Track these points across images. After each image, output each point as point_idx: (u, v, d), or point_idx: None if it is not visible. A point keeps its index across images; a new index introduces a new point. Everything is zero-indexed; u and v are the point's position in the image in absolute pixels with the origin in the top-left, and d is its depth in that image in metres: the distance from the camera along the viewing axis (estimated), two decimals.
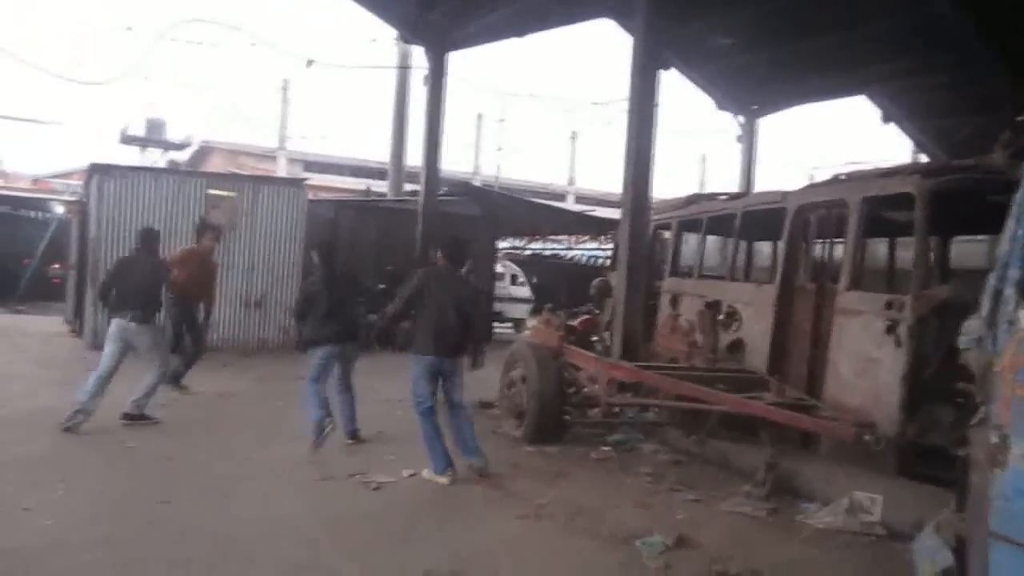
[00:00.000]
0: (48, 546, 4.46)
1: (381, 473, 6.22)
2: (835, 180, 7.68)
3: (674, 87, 44.25)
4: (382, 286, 12.96)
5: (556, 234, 27.49)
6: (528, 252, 30.00)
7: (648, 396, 7.55)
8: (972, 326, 3.10)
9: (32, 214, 24.94)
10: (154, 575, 4.25)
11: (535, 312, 19.27)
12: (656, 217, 10.12)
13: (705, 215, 9.23)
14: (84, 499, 5.34)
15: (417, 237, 15.34)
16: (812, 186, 8.35)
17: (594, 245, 26.82)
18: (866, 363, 6.24)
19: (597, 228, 22.23)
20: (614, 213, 14.36)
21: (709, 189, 12.27)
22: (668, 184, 18.15)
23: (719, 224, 9.12)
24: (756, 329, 7.72)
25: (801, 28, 14.10)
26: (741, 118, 18.11)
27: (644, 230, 9.68)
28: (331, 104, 69.24)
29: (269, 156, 35.31)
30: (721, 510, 5.73)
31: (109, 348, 7.57)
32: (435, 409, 6.38)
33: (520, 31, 14.94)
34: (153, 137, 35.54)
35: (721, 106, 17.99)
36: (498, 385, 8.54)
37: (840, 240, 7.19)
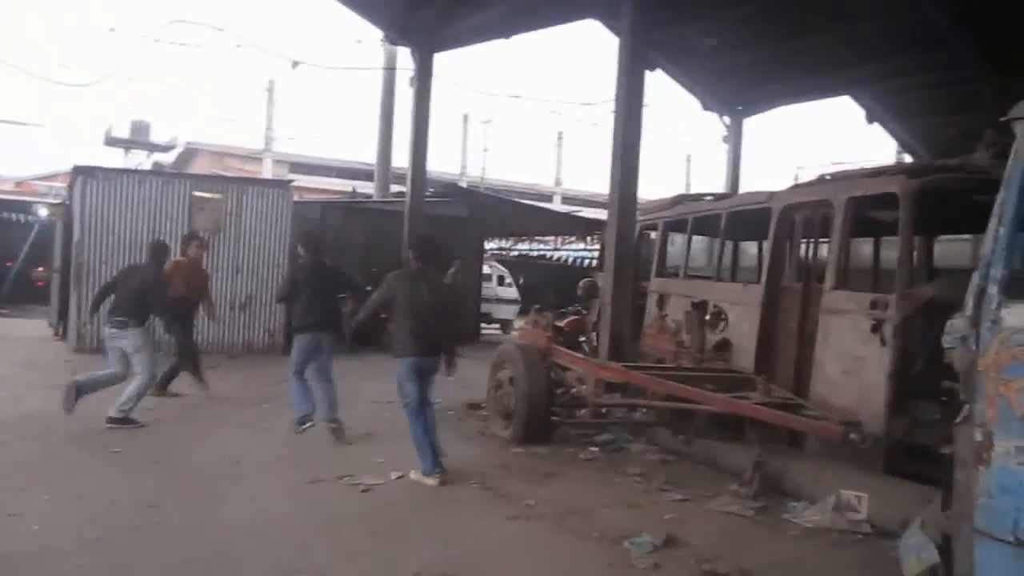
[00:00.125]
0: (37, 552, 4.42)
1: (370, 475, 6.21)
2: (820, 180, 7.73)
3: (660, 88, 44.36)
4: (368, 288, 12.90)
5: (543, 235, 27.56)
6: (515, 253, 30.05)
7: (636, 396, 7.56)
8: (956, 325, 3.13)
9: (15, 216, 24.74)
10: None
11: (522, 313, 19.29)
12: (642, 218, 10.16)
13: (691, 215, 9.28)
14: (71, 504, 5.29)
15: (404, 238, 15.30)
16: (797, 186, 8.40)
17: (581, 246, 26.89)
18: (852, 362, 6.28)
19: (584, 229, 22.30)
20: (601, 214, 14.43)
21: (695, 189, 12.31)
22: (654, 185, 18.11)
23: (705, 224, 9.17)
24: (743, 329, 7.76)
25: (787, 29, 14.18)
26: (727, 118, 18.17)
27: (631, 231, 9.70)
28: (317, 106, 69.00)
29: (255, 158, 35.11)
30: (709, 509, 5.76)
31: (110, 357, 7.83)
32: (423, 407, 6.41)
33: (506, 32, 14.94)
34: (138, 139, 35.22)
35: (707, 107, 18.04)
36: (486, 386, 8.54)
37: (825, 240, 7.23)
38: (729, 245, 9.95)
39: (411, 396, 6.36)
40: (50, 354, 12.55)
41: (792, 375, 7.12)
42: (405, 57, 16.96)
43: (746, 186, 16.91)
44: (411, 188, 15.59)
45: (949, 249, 8.87)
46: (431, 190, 17.24)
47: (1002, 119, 3.17)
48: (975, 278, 3.06)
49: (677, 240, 10.20)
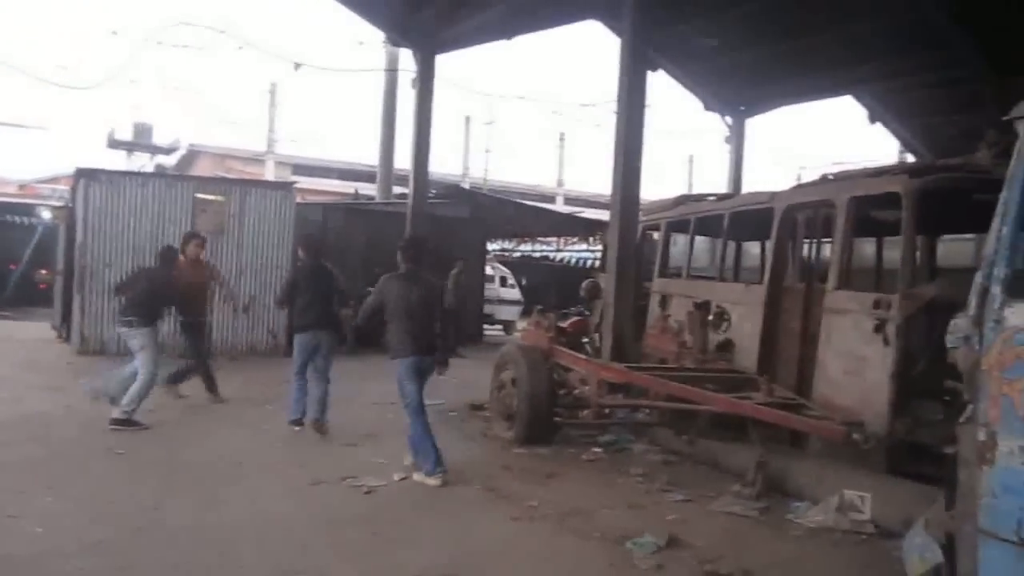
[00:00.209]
0: (39, 553, 4.41)
1: (372, 476, 6.21)
2: (823, 180, 7.72)
3: (662, 88, 44.32)
4: (370, 289, 12.90)
5: (545, 236, 27.54)
6: (518, 254, 30.06)
7: (638, 397, 7.56)
8: (959, 324, 3.12)
9: (18, 219, 24.80)
10: None
11: (525, 314, 19.29)
12: (645, 218, 10.15)
13: (694, 216, 9.26)
14: (74, 505, 5.29)
15: None
16: (800, 186, 8.39)
17: (583, 246, 26.91)
18: (855, 362, 6.27)
19: (586, 229, 22.30)
20: (603, 214, 14.40)
21: (697, 190, 12.30)
22: (657, 185, 18.13)
23: (708, 225, 9.16)
24: (745, 329, 7.75)
25: (788, 29, 14.19)
26: (729, 119, 18.17)
27: (633, 231, 9.70)
28: (319, 108, 69.02)
29: (257, 160, 35.17)
30: (712, 510, 5.75)
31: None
32: (424, 407, 6.41)
33: (508, 33, 14.93)
34: (140, 141, 35.28)
35: (709, 107, 18.04)
36: (488, 387, 8.54)
37: (828, 240, 7.22)
38: (732, 245, 9.95)
39: (412, 396, 6.37)
40: (52, 356, 12.58)
41: (795, 375, 7.11)
42: (407, 59, 16.96)
43: (748, 186, 16.90)
44: (413, 189, 15.60)
45: (952, 249, 8.86)
46: (433, 191, 17.23)
47: (1004, 118, 3.16)
48: (978, 277, 3.05)
49: (679, 241, 10.18)
